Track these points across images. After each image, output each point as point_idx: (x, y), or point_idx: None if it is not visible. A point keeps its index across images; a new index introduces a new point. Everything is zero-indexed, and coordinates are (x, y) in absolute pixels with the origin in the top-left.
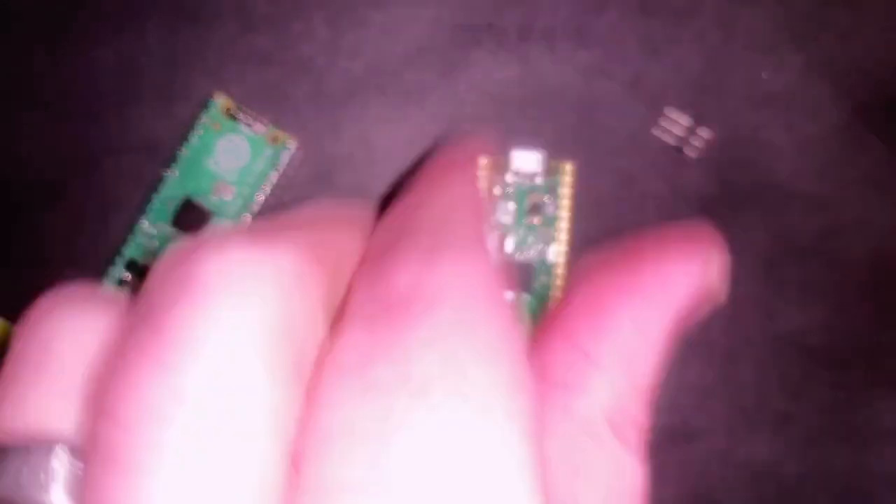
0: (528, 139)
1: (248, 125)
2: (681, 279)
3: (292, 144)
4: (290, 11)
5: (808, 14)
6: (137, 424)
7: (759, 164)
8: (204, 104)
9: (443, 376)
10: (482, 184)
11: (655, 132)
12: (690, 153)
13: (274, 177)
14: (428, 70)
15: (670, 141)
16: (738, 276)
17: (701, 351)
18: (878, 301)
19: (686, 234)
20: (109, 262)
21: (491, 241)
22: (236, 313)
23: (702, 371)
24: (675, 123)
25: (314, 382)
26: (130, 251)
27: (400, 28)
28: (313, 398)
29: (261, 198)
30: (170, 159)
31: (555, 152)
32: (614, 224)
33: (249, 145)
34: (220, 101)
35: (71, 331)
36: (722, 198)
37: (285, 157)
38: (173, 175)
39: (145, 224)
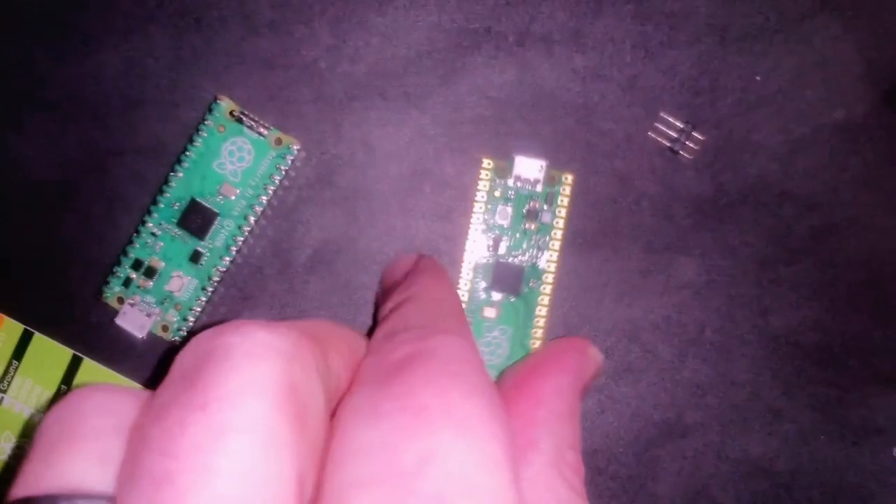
0: (531, 144)
1: (252, 128)
2: (576, 362)
3: (296, 147)
4: (293, 16)
5: (800, 17)
6: (188, 454)
7: (753, 165)
8: (208, 107)
9: (436, 405)
10: (485, 186)
11: (651, 134)
12: (685, 154)
13: (277, 178)
14: (428, 74)
15: (665, 143)
16: (732, 276)
17: (696, 349)
18: (871, 300)
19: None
20: (116, 262)
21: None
22: (254, 370)
23: (696, 368)
24: (670, 125)
25: (328, 437)
26: (136, 251)
27: (401, 33)
28: (331, 441)
29: (264, 199)
30: (175, 161)
31: (553, 154)
32: (610, 224)
33: (253, 147)
34: (225, 104)
35: (103, 403)
36: (716, 198)
37: (289, 160)
38: (178, 177)
39: (151, 224)
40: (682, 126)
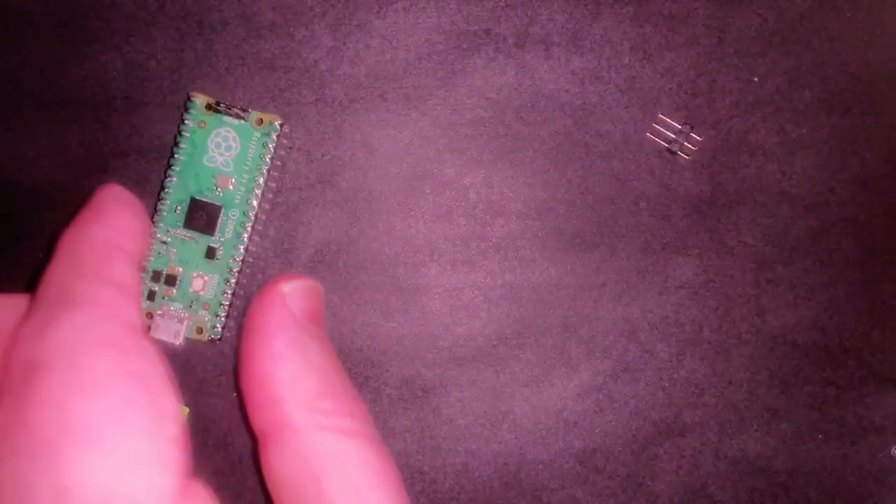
0: (530, 146)
1: (231, 115)
2: (275, 315)
3: (278, 122)
4: (294, 19)
5: (798, 19)
6: None
7: (750, 165)
8: (184, 106)
9: (60, 432)
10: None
11: (649, 135)
12: (683, 155)
13: (268, 157)
14: (428, 76)
15: (663, 143)
16: (730, 276)
17: (693, 348)
18: (868, 299)
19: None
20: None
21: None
22: None
23: (694, 367)
24: (668, 126)
25: None
26: (153, 263)
27: (400, 35)
28: None
29: (261, 180)
30: (166, 167)
31: (551, 155)
32: (608, 224)
33: (238, 134)
34: (199, 100)
35: None
36: (714, 199)
37: (274, 137)
38: (173, 181)
39: (159, 234)
40: (680, 127)
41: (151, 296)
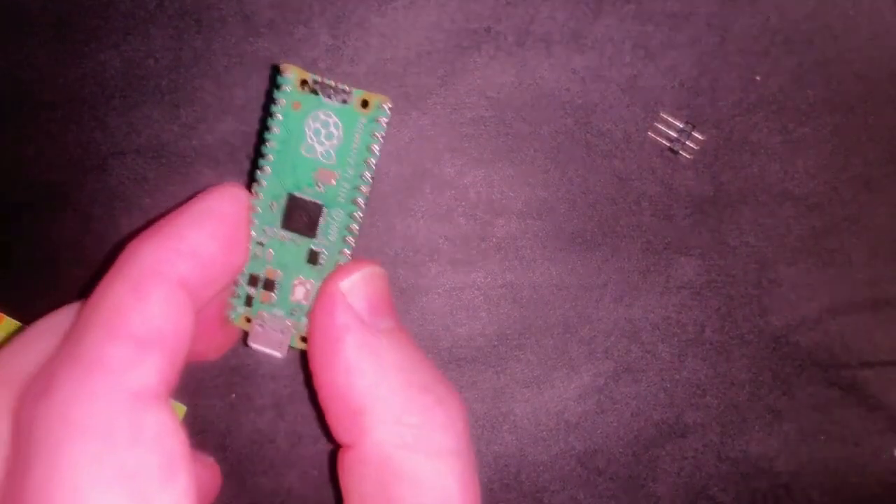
0: (531, 145)
1: (333, 95)
2: (341, 315)
3: (387, 105)
4: (292, 17)
5: (801, 17)
6: None
7: (753, 165)
8: (274, 83)
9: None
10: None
11: (650, 134)
12: (685, 154)
13: (377, 148)
14: (428, 74)
15: (665, 143)
16: (732, 276)
17: (695, 349)
18: (871, 300)
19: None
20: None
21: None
22: None
23: (696, 368)
24: (669, 125)
25: None
26: (248, 267)
27: (400, 33)
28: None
29: (368, 176)
30: (256, 156)
31: (552, 154)
32: (610, 224)
33: (340, 119)
34: (292, 74)
35: None
36: (716, 198)
37: (383, 122)
38: (266, 173)
39: (254, 233)
40: (682, 126)
41: (248, 301)
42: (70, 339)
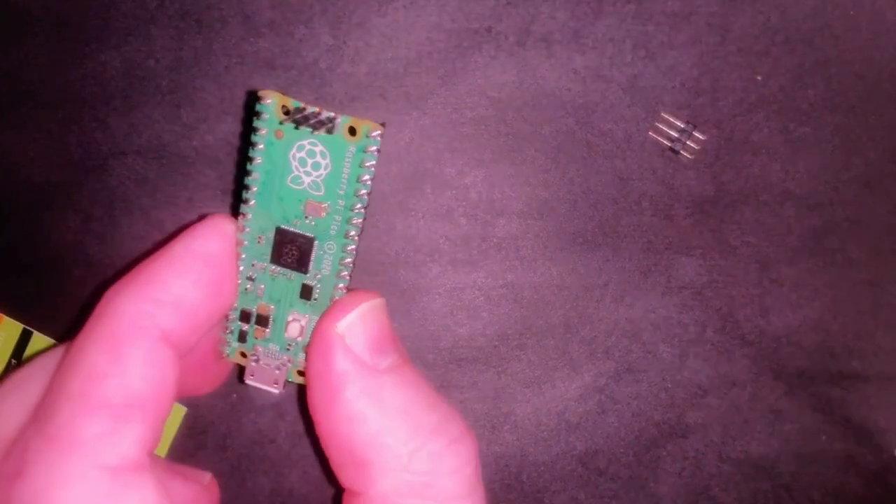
0: (531, 145)
1: (318, 125)
2: (337, 359)
3: (376, 132)
4: (293, 17)
5: (801, 17)
6: None
7: (753, 165)
8: (252, 111)
9: None
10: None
11: (651, 134)
12: (686, 154)
13: (368, 179)
14: (428, 74)
15: (666, 143)
16: (734, 276)
17: (696, 349)
18: (872, 300)
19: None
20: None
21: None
22: None
23: (697, 369)
24: (670, 125)
25: None
26: (239, 302)
27: (401, 33)
28: None
29: (359, 207)
30: (239, 188)
31: (553, 154)
32: (611, 224)
33: (327, 148)
34: (272, 101)
35: None
36: (717, 198)
37: (373, 151)
38: (251, 206)
39: (243, 267)
40: (682, 126)
41: (242, 336)
42: (43, 410)
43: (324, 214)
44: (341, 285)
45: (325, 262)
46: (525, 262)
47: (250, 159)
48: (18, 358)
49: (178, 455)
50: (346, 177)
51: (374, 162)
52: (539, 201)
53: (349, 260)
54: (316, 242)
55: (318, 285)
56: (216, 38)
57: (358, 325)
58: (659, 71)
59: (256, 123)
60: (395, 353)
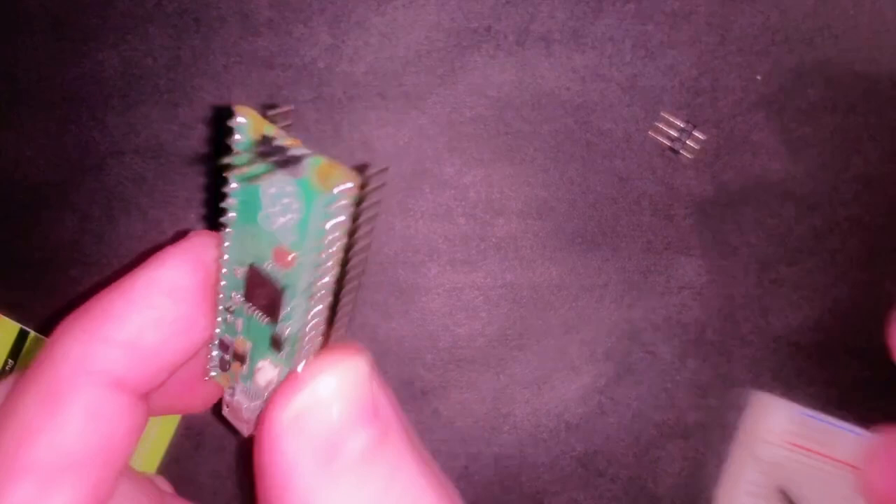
0: (531, 144)
1: (277, 164)
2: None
3: (348, 184)
4: (292, 16)
5: (801, 17)
6: None
7: (754, 165)
8: (225, 127)
9: None
10: None
11: (651, 134)
12: (686, 154)
13: (336, 238)
14: (427, 74)
15: (666, 142)
16: (733, 276)
17: (696, 349)
18: (872, 299)
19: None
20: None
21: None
22: None
23: (697, 369)
24: (670, 125)
25: None
26: (220, 331)
27: (400, 33)
28: None
29: (330, 264)
30: (215, 213)
31: (552, 154)
32: (610, 224)
33: (298, 188)
34: (247, 122)
35: None
36: (716, 198)
37: (344, 207)
38: (229, 233)
39: (222, 297)
40: (682, 126)
41: (224, 365)
42: None
43: (292, 266)
44: (309, 349)
45: (296, 318)
46: (524, 262)
47: (226, 183)
48: (15, 358)
49: (176, 456)
50: (313, 228)
51: (340, 221)
52: (538, 201)
53: (317, 321)
54: (284, 293)
55: (287, 341)
56: (214, 36)
57: (312, 414)
58: (658, 70)
59: (230, 142)
60: (372, 429)
